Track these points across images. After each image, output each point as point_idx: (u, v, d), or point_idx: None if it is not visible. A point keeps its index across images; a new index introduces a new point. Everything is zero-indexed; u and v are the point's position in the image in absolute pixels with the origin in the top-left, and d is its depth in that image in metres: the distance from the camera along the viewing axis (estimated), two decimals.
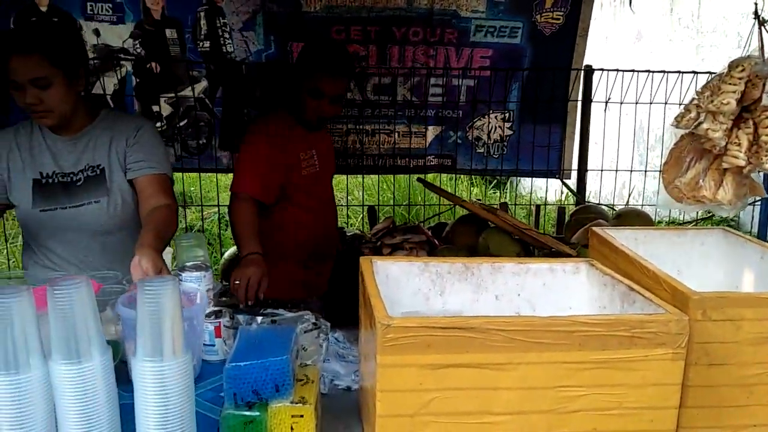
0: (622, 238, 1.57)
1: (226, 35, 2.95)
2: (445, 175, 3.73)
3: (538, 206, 3.31)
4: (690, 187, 1.78)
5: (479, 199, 3.25)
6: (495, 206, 2.61)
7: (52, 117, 1.64)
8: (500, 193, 6.14)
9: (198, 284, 1.41)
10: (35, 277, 1.69)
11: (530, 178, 3.70)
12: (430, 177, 3.41)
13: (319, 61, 2.09)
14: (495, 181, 6.32)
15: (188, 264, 1.42)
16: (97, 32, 2.84)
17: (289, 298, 1.92)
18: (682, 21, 5.25)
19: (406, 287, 1.36)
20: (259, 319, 1.31)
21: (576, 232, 2.97)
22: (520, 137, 3.33)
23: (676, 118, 1.76)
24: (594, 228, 1.67)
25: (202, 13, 2.91)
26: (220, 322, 1.39)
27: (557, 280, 1.42)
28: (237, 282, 1.80)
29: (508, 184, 6.43)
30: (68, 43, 1.68)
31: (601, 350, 1.07)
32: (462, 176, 5.57)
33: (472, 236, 2.83)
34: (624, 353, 1.07)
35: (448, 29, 3.11)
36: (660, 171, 3.47)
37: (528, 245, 2.75)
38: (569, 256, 2.59)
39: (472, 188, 5.80)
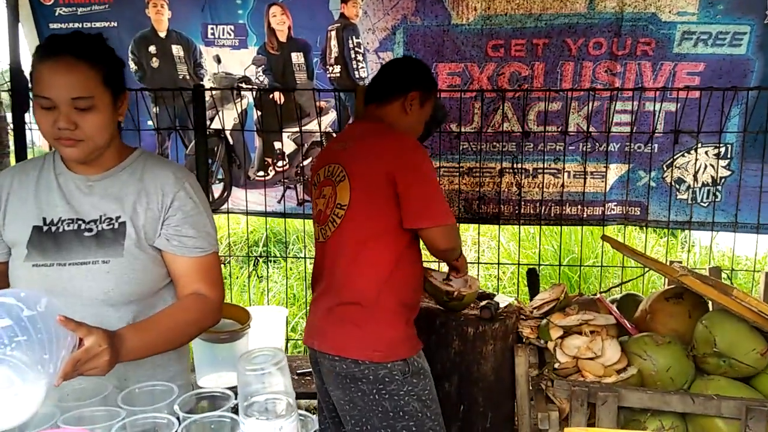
0: None
1: (359, 57, 2.47)
2: (608, 225, 2.85)
3: None
4: None
5: (681, 263, 2.39)
6: (728, 285, 1.77)
7: (82, 148, 1.23)
8: (661, 244, 5.00)
9: None
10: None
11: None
12: (609, 230, 2.63)
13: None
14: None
15: (258, 399, 0.84)
16: (218, 59, 2.51)
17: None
18: None
19: None
20: None
21: None
22: (742, 180, 2.50)
23: None
24: None
25: (333, 33, 2.45)
26: None
27: None
28: None
29: (672, 234, 5.22)
30: (116, 57, 1.30)
31: None
32: (630, 225, 4.58)
33: (682, 320, 2.00)
34: None
35: (643, 38, 2.41)
36: None
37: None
38: None
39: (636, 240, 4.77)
